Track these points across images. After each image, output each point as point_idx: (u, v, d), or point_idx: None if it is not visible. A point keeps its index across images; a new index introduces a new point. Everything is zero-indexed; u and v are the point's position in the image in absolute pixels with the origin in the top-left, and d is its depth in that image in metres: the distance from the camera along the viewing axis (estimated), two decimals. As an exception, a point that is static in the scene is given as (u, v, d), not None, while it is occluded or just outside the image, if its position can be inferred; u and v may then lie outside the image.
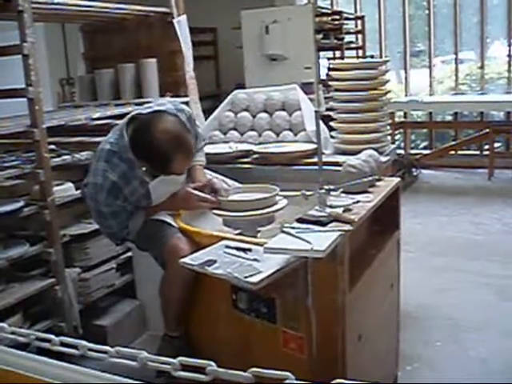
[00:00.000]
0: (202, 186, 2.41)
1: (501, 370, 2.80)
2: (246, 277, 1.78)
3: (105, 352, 1.00)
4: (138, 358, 0.95)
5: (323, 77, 6.03)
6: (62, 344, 1.04)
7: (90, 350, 1.01)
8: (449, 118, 8.07)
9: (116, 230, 2.36)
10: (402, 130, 7.61)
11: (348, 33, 7.09)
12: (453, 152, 7.45)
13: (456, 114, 7.70)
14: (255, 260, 1.89)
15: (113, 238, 2.49)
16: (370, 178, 2.31)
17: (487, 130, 6.82)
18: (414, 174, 6.99)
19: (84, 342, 1.02)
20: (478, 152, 7.54)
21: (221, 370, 0.85)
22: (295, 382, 0.76)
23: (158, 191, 2.35)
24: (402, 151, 7.27)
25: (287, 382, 0.77)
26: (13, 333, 1.10)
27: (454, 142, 7.54)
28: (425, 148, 8.03)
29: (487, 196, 6.02)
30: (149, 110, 2.38)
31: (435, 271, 4.04)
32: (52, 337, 1.05)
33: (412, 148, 7.97)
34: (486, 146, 7.08)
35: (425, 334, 3.17)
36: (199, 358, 0.95)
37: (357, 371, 2.02)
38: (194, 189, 2.38)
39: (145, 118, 2.31)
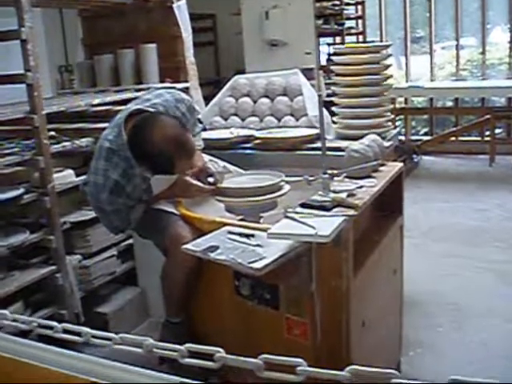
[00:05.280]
0: (199, 171, 2.38)
1: (504, 355, 2.79)
2: (249, 262, 1.76)
3: (109, 339, 0.98)
4: (143, 344, 0.93)
5: (323, 63, 5.99)
6: (65, 331, 1.02)
7: (94, 336, 0.99)
8: (449, 103, 8.03)
9: (117, 224, 2.35)
10: (402, 117, 7.57)
11: (348, 18, 7.06)
12: (454, 138, 7.41)
13: (457, 99, 7.65)
14: (258, 246, 1.87)
15: (113, 231, 2.47)
16: (374, 163, 2.29)
17: (488, 116, 6.79)
18: (415, 160, 6.96)
19: (87, 329, 1.00)
20: (479, 138, 7.49)
21: (230, 356, 0.83)
22: (307, 368, 0.74)
23: (159, 183, 2.33)
24: (402, 137, 7.23)
25: (300, 368, 0.75)
26: (14, 320, 1.08)
27: (454, 128, 7.49)
28: (425, 134, 7.98)
29: (488, 182, 6.00)
30: (147, 104, 2.33)
31: (437, 257, 4.03)
32: (55, 324, 1.03)
33: (413, 134, 7.94)
34: (487, 132, 7.05)
35: (427, 319, 3.17)
36: (201, 344, 0.93)
37: (360, 357, 2.00)
38: (192, 175, 2.35)
39: (141, 123, 2.21)
